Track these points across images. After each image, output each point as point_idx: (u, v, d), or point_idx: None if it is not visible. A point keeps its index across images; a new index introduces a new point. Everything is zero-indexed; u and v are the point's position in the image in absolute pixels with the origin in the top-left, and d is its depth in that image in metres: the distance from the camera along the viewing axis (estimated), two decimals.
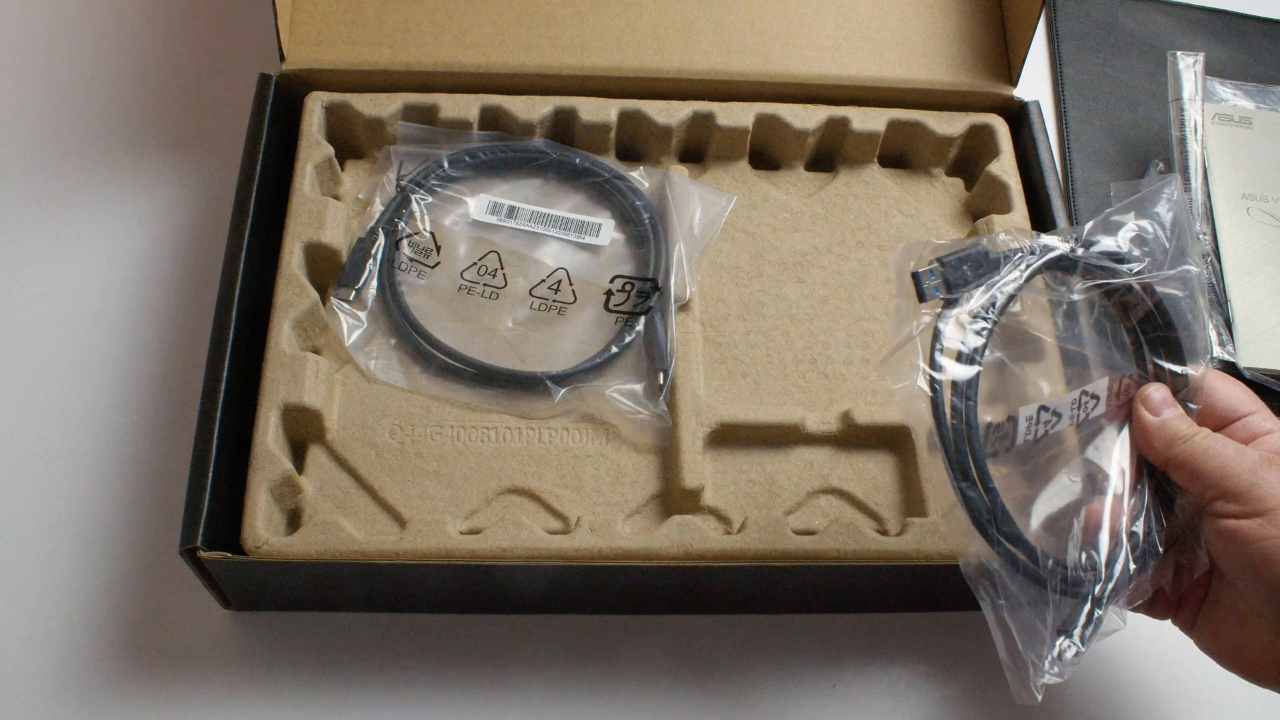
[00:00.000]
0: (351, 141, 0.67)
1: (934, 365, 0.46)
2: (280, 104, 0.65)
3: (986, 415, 0.48)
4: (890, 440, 0.60)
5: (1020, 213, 0.67)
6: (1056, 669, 0.46)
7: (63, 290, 0.67)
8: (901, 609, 0.60)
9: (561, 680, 0.57)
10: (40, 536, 0.59)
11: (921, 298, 0.47)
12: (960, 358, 0.47)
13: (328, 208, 0.62)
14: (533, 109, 0.67)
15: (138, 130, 0.73)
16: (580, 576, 0.56)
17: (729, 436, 0.60)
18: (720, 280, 0.65)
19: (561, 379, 0.60)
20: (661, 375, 0.60)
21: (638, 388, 0.60)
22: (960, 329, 0.47)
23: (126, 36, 0.77)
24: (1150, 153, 0.78)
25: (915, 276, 0.47)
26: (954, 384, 0.47)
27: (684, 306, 0.63)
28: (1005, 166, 0.68)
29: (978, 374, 0.47)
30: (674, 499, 0.58)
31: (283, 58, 0.66)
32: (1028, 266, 0.48)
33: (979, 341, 0.47)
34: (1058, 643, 0.46)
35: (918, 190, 0.70)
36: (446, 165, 0.66)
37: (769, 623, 0.59)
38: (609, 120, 0.67)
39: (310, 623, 0.58)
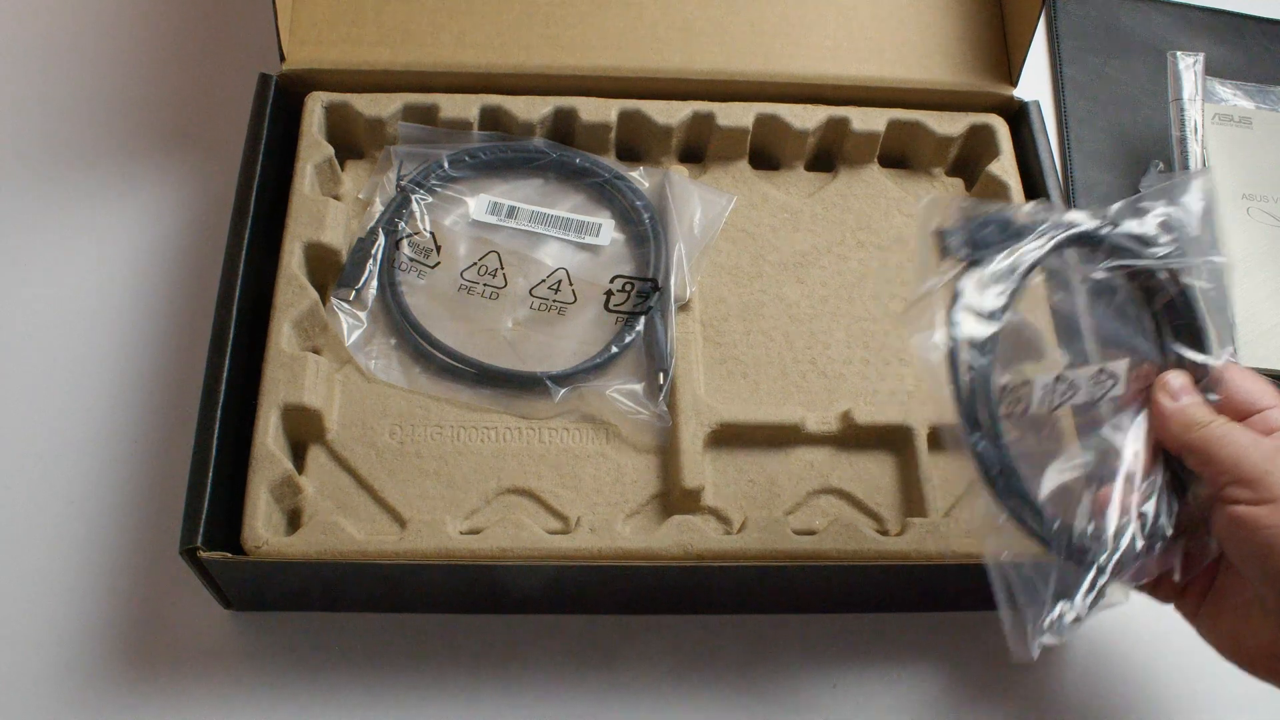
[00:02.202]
0: (351, 141, 0.67)
1: (952, 321, 0.46)
2: (280, 104, 0.65)
3: (1003, 377, 0.47)
4: (890, 440, 0.60)
5: None
6: (1055, 630, 0.46)
7: (63, 290, 0.67)
8: (901, 609, 0.60)
9: (561, 680, 0.57)
10: (40, 536, 0.59)
11: (944, 253, 0.47)
12: (979, 316, 0.46)
13: (328, 208, 0.62)
14: (533, 109, 0.67)
15: (138, 130, 0.73)
16: (580, 576, 0.56)
17: (729, 436, 0.60)
18: (720, 280, 0.65)
19: (561, 379, 0.60)
20: (661, 375, 0.60)
21: (638, 388, 0.60)
22: (980, 289, 0.47)
23: (126, 36, 0.77)
24: (1150, 153, 0.78)
25: (941, 233, 0.47)
26: (970, 340, 0.46)
27: (684, 306, 0.63)
28: (1005, 166, 0.68)
29: (995, 333, 0.46)
30: (674, 499, 0.58)
31: (283, 58, 0.66)
32: (1052, 238, 0.48)
33: (999, 303, 0.47)
34: (1059, 605, 0.46)
35: (918, 190, 0.70)
36: (446, 165, 0.66)
37: (769, 623, 0.59)
38: (609, 120, 0.67)
39: (310, 623, 0.58)
